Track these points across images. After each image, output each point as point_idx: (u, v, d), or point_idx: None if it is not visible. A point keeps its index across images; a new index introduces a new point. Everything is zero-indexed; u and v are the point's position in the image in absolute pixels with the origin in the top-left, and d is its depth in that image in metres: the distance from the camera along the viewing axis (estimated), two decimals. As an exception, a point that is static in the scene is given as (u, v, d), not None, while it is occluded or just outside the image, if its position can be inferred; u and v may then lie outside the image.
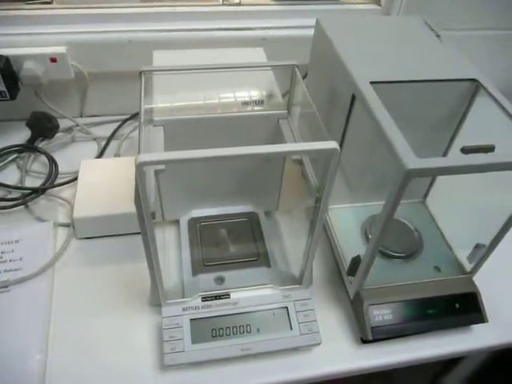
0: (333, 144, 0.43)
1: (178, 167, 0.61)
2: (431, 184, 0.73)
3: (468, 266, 0.62)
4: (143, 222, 0.46)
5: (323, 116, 0.51)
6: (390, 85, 0.55)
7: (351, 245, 0.66)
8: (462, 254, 0.64)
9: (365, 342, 0.59)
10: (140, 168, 0.40)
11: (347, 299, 0.63)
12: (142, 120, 0.47)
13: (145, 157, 0.40)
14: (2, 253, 0.66)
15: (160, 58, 0.66)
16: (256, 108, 0.58)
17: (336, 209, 0.72)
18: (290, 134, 0.57)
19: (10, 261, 0.65)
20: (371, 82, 0.53)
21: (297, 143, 0.41)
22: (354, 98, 0.55)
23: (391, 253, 0.65)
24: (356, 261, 0.57)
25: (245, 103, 0.58)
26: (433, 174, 0.56)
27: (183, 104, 0.57)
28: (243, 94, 0.58)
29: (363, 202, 0.73)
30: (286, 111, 0.59)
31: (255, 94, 0.58)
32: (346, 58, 0.58)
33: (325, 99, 0.66)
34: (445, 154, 0.67)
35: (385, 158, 0.46)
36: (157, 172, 0.51)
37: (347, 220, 0.71)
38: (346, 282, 0.62)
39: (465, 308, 0.60)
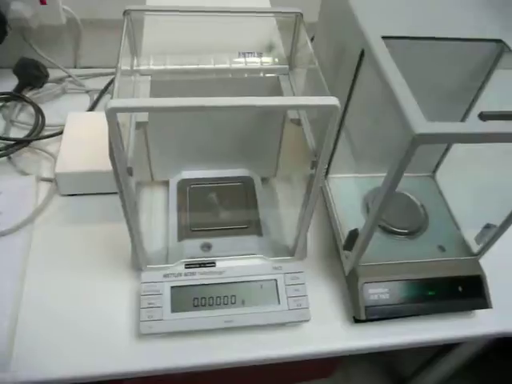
0: (333, 100, 0.38)
1: (167, 122, 0.57)
2: (442, 157, 0.67)
3: (475, 248, 0.58)
4: (118, 178, 0.42)
5: (330, 76, 0.46)
6: (404, 41, 0.49)
7: (351, 218, 0.62)
8: (470, 235, 0.59)
9: (358, 321, 0.55)
10: (111, 115, 0.36)
11: (342, 275, 0.59)
12: (119, 65, 0.42)
13: (116, 102, 0.35)
14: (-19, 206, 0.62)
15: (153, 1, 0.60)
16: (254, 62, 0.53)
17: (338, 178, 0.67)
18: (290, 92, 0.52)
19: (-12, 214, 0.61)
20: (383, 37, 0.47)
21: (290, 97, 0.36)
22: (362, 54, 0.50)
23: (393, 228, 0.60)
24: (353, 235, 0.53)
25: (242, 54, 0.52)
26: (444, 140, 0.51)
27: (174, 53, 0.52)
28: (241, 44, 0.52)
29: (368, 173, 0.68)
30: (287, 66, 0.54)
31: (254, 46, 0.52)
32: (357, 10, 0.52)
33: (332, 58, 0.60)
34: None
35: (394, 123, 0.41)
36: (139, 124, 0.46)
37: (349, 191, 0.66)
38: (342, 257, 0.58)
39: (468, 292, 0.56)
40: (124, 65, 0.46)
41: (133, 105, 0.35)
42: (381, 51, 0.46)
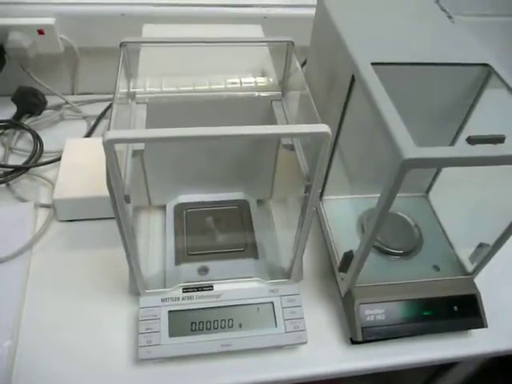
0: (324, 127, 0.39)
1: (163, 148, 0.58)
2: (435, 177, 0.68)
3: (469, 267, 0.58)
4: (116, 205, 0.43)
5: (322, 101, 0.47)
6: (393, 67, 0.50)
7: (346, 239, 0.62)
8: (464, 254, 0.60)
9: (354, 342, 0.56)
10: (109, 146, 0.37)
11: (339, 296, 0.59)
12: (116, 95, 0.43)
13: (113, 134, 0.36)
14: (-20, 233, 0.63)
15: (150, 32, 0.61)
16: (248, 87, 0.54)
17: (332, 200, 0.68)
18: (283, 118, 0.53)
19: (-14, 241, 0.62)
20: (372, 63, 0.49)
21: (282, 125, 0.37)
22: (353, 79, 0.51)
23: (388, 249, 0.61)
24: (348, 256, 0.54)
25: (236, 82, 0.54)
26: (433, 165, 0.52)
27: (170, 81, 0.53)
28: (235, 71, 0.53)
29: (363, 194, 0.68)
30: (279, 92, 0.55)
31: (248, 73, 0.53)
32: (347, 37, 0.53)
33: (324, 83, 0.61)
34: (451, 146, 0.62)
35: (386, 147, 0.42)
36: (136, 152, 0.47)
37: (344, 212, 0.67)
38: (338, 279, 0.58)
39: (464, 311, 0.56)
40: (121, 88, 0.47)
41: (130, 136, 0.36)
42: (370, 78, 0.47)
